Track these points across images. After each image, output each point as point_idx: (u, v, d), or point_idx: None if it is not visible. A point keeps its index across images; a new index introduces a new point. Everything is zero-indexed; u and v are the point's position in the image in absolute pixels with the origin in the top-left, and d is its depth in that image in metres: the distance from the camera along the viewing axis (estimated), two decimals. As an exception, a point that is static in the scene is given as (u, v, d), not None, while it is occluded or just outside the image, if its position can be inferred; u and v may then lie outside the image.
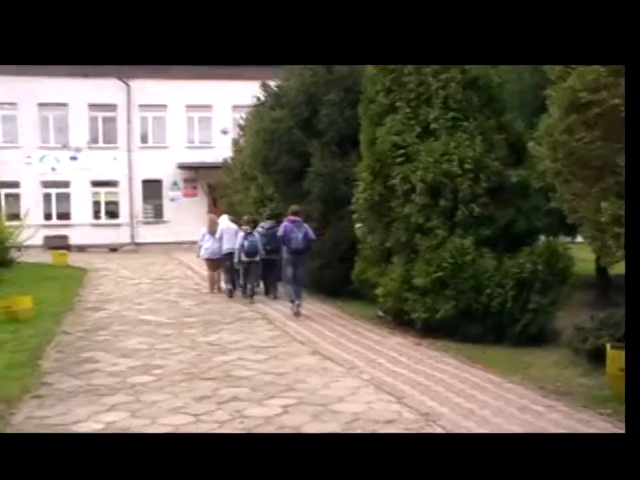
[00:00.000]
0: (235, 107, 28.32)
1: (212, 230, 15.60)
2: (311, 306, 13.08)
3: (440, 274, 9.78)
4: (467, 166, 9.84)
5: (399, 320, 10.86)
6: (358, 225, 12.27)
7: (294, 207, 12.70)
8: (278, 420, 6.36)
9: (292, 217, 12.42)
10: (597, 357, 7.54)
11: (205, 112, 30.33)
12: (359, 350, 9.40)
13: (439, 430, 6.04)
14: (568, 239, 12.43)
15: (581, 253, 10.89)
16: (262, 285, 14.93)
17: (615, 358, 7.01)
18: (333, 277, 13.67)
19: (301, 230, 12.23)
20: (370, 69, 11.22)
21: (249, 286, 14.40)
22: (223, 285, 15.52)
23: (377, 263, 11.34)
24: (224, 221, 15.65)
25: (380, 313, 11.59)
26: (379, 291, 10.95)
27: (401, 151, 10.33)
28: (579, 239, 11.88)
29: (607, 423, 6.20)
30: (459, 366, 8.45)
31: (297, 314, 12.25)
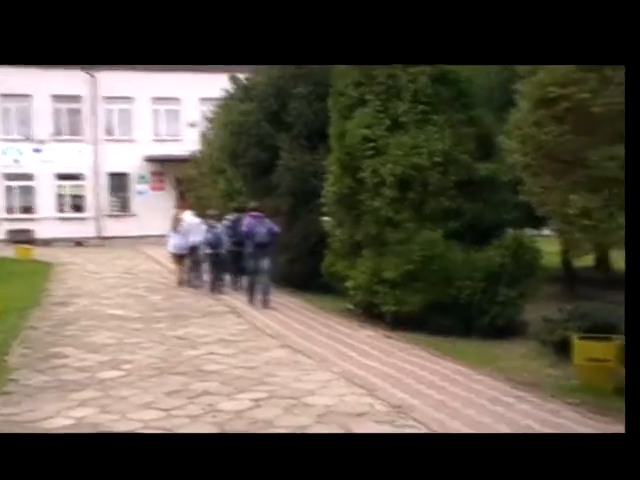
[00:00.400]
0: (203, 100, 28.09)
1: (174, 227, 15.76)
2: (280, 299, 13.06)
3: (410, 267, 9.83)
4: (436, 159, 9.90)
5: (369, 313, 10.90)
6: (325, 218, 12.35)
7: (252, 203, 13.21)
8: (250, 414, 6.34)
9: (253, 213, 12.77)
10: (564, 348, 7.65)
11: (172, 105, 30.02)
12: (329, 343, 9.42)
13: (411, 422, 6.07)
14: (535, 232, 12.59)
15: (547, 246, 11.03)
16: (229, 278, 14.96)
17: (582, 349, 7.12)
18: (302, 271, 13.66)
19: (264, 225, 12.47)
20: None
21: (216, 278, 14.50)
22: (189, 278, 15.52)
23: (347, 256, 11.37)
24: (188, 216, 15.82)
25: (350, 306, 11.62)
26: (349, 284, 10.97)
27: (371, 144, 10.34)
28: (546, 232, 12.06)
29: (576, 413, 6.30)
30: (429, 358, 8.51)
31: (257, 302, 12.55)
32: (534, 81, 6.51)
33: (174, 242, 15.62)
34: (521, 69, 7.09)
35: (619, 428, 5.83)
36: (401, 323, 10.08)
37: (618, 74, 5.53)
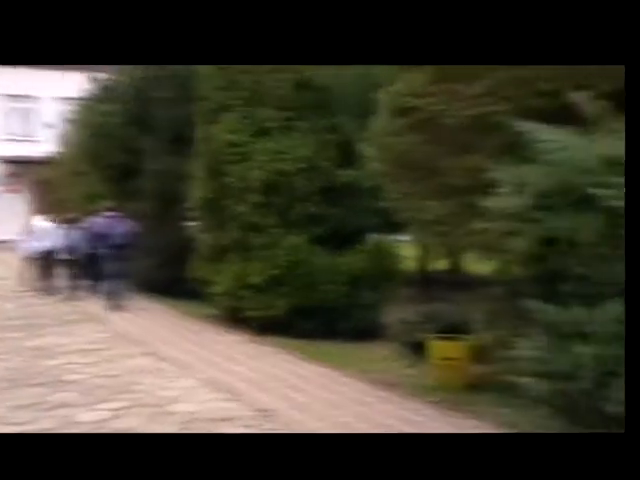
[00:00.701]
0: (62, 99, 26.92)
1: (27, 231, 15.19)
2: (145, 305, 12.78)
3: (275, 272, 9.94)
4: (300, 165, 10.08)
5: (236, 318, 10.89)
6: (191, 223, 12.29)
7: (107, 204, 13.18)
8: (110, 424, 6.16)
9: (109, 213, 12.75)
10: (422, 348, 8.00)
11: (28, 103, 28.59)
12: (195, 349, 9.32)
13: (276, 425, 6.13)
14: (395, 237, 13.06)
15: (406, 251, 11.48)
16: (87, 283, 14.49)
17: (436, 349, 7.48)
18: (168, 276, 13.41)
19: (121, 225, 12.30)
20: (205, 66, 11.15)
21: (73, 284, 14.05)
22: (45, 285, 14.87)
23: (213, 261, 11.30)
24: (40, 220, 15.30)
25: (216, 311, 11.56)
26: (215, 289, 10.91)
27: (236, 149, 10.37)
28: (404, 237, 12.52)
29: (434, 410, 6.59)
30: (295, 362, 8.62)
31: (116, 307, 12.33)
32: (392, 91, 6.78)
33: (27, 247, 14.99)
34: (381, 78, 7.34)
35: (473, 423, 6.17)
36: (267, 328, 10.14)
37: (469, 88, 5.86)
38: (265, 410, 6.55)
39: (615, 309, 3.75)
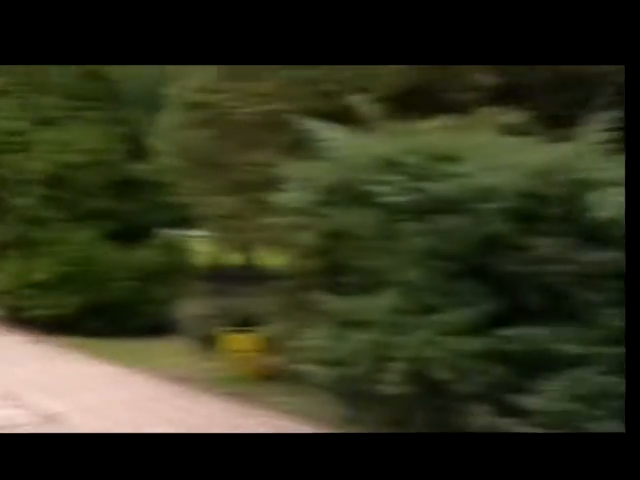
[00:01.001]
0: None
1: None
2: None
3: (63, 269, 9.56)
4: (88, 158, 9.74)
5: (19, 318, 10.27)
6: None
7: None
8: None
9: None
10: (215, 342, 8.05)
11: None
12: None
13: (61, 428, 5.86)
14: (187, 232, 13.01)
15: (199, 246, 11.48)
16: None
17: (230, 341, 7.60)
18: None
19: None
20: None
21: None
22: None
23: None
24: None
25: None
26: (-7, 288, 10.21)
27: (14, 138, 9.79)
28: (198, 232, 12.52)
29: (227, 403, 6.66)
30: (84, 361, 8.35)
31: None
32: (184, 86, 6.74)
33: None
34: (172, 72, 7.26)
35: (262, 412, 6.31)
36: (55, 327, 9.70)
37: (261, 85, 5.97)
38: (50, 414, 6.24)
39: (390, 298, 4.03)
